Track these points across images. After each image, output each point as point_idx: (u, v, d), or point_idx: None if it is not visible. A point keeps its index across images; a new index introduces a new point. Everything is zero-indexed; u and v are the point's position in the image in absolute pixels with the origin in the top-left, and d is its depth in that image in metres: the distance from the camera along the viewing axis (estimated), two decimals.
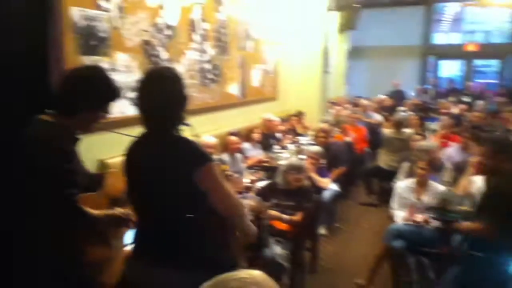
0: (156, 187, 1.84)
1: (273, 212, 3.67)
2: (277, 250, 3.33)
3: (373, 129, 8.43)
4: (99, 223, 2.01)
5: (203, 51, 5.08)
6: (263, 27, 6.90)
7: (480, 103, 9.35)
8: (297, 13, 7.89)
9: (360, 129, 7.30)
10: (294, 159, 4.32)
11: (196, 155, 1.83)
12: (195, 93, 5.01)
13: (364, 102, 9.11)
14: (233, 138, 5.07)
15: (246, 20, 6.27)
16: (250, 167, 5.06)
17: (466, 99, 10.09)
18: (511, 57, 13.05)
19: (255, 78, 6.83)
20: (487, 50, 14.37)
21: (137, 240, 1.98)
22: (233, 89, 6.02)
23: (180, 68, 4.64)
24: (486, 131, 3.42)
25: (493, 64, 15.49)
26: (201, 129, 4.99)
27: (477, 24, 19.69)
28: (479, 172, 3.00)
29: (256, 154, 5.57)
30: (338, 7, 8.04)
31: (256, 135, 5.77)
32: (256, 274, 0.99)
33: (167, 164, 1.81)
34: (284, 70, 7.99)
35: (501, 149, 2.69)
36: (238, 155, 5.11)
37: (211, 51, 5.26)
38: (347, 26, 11.53)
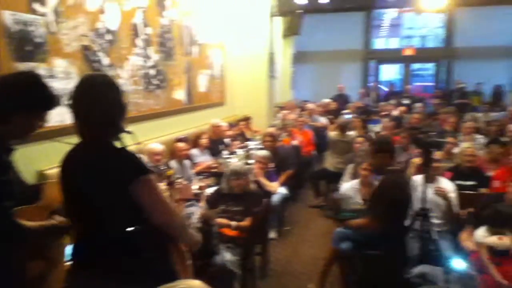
0: (91, 199, 1.76)
1: (221, 220, 3.63)
2: (227, 256, 3.30)
3: (319, 132, 8.63)
4: (35, 236, 1.90)
5: (147, 57, 4.97)
6: (208, 32, 6.87)
7: (418, 105, 9.82)
8: (241, 18, 7.93)
9: (307, 133, 7.43)
10: (236, 164, 4.32)
11: (132, 166, 1.77)
12: (140, 99, 4.89)
13: (310, 106, 9.30)
14: (181, 144, 5.00)
15: (191, 25, 6.22)
16: (198, 173, 5.00)
17: (405, 101, 10.56)
18: (445, 61, 13.81)
19: (202, 83, 6.78)
20: (423, 54, 15.16)
21: (75, 252, 1.89)
22: (179, 94, 5.94)
23: (123, 73, 4.52)
24: (423, 132, 3.58)
25: (429, 67, 16.37)
26: (147, 136, 4.91)
27: (414, 30, 20.73)
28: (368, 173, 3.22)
29: (204, 160, 5.52)
30: (281, 13, 8.17)
31: (204, 141, 5.72)
32: (195, 284, 0.98)
33: (103, 175, 1.74)
34: (231, 75, 8.00)
35: (380, 148, 2.87)
36: (187, 162, 5.04)
37: (155, 56, 5.16)
38: (291, 31, 11.75)
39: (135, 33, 4.72)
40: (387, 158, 2.80)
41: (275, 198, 4.86)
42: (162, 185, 3.64)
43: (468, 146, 4.52)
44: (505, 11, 12.47)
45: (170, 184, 3.35)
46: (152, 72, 5.11)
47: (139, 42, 4.81)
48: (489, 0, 12.04)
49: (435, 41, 15.67)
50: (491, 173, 4.34)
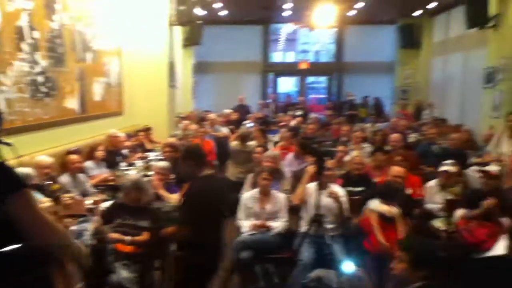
0: None
1: (114, 235, 3.44)
2: (123, 274, 3.15)
3: (221, 142, 8.69)
4: None
5: (34, 62, 4.59)
6: (104, 38, 6.58)
7: (313, 116, 10.40)
8: (139, 25, 7.73)
9: (208, 143, 7.43)
10: (134, 176, 4.17)
11: (7, 181, 1.63)
12: (26, 108, 4.48)
13: (212, 116, 9.34)
14: (73, 156, 4.68)
15: (84, 30, 5.90)
16: (95, 187, 4.73)
17: (299, 112, 11.11)
18: (336, 74, 14.83)
19: (97, 92, 6.45)
20: (317, 68, 16.15)
21: None
22: (71, 103, 5.58)
23: (6, 80, 4.11)
24: (317, 142, 3.81)
25: (322, 80, 17.46)
26: (36, 148, 4.52)
27: (308, 45, 21.95)
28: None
29: (100, 172, 5.23)
30: (180, 22, 8.12)
31: (100, 153, 5.42)
32: None
33: None
34: (129, 83, 7.73)
35: (186, 156, 3.08)
36: (81, 175, 4.73)
37: (43, 62, 4.78)
38: (191, 41, 11.73)
39: (20, 36, 4.33)
40: (193, 165, 2.95)
41: None
42: (46, 201, 3.38)
43: (356, 154, 4.88)
44: (386, 30, 13.82)
45: (56, 199, 3.12)
46: (40, 79, 4.72)
47: (25, 46, 4.42)
48: (372, 19, 13.24)
49: (327, 56, 16.78)
50: (376, 179, 4.73)
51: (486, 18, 7.53)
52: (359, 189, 4.54)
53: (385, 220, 3.62)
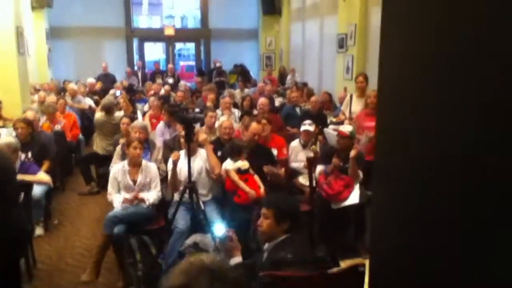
0: None
1: None
2: None
3: (85, 114, 8.14)
4: None
5: None
6: None
7: (182, 83, 10.28)
8: None
9: (70, 115, 6.88)
10: None
11: None
12: None
13: (72, 86, 8.62)
14: None
15: None
16: None
17: (171, 80, 10.90)
18: (204, 41, 14.73)
19: None
20: (183, 34, 15.83)
21: None
22: None
23: None
24: (184, 109, 3.80)
25: (191, 47, 17.24)
26: None
27: (174, 10, 21.33)
28: None
29: None
30: None
31: None
32: None
33: None
34: None
35: None
36: None
37: None
38: (40, 3, 10.54)
39: None
40: None
41: (37, 190, 4.38)
42: None
43: (224, 119, 4.99)
44: None
45: None
46: None
47: None
48: None
49: (194, 22, 16.53)
50: None
51: None
52: None
53: (242, 173, 3.89)
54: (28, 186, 3.94)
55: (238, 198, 3.82)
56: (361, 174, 4.11)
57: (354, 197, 4.01)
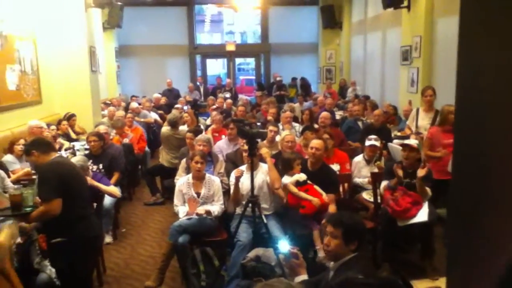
0: None
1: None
2: (51, 271, 3.00)
3: (150, 128, 8.49)
4: None
5: None
6: (14, 23, 6.07)
7: (241, 97, 10.44)
8: (54, 8, 7.22)
9: (137, 129, 7.21)
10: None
11: None
12: None
13: (139, 101, 9.04)
14: None
15: None
16: (16, 182, 4.40)
17: (228, 94, 11.11)
18: (264, 56, 14.92)
19: (11, 80, 5.97)
20: (244, 50, 16.14)
21: None
22: None
23: None
24: (247, 124, 3.83)
25: (250, 62, 17.52)
26: None
27: (234, 26, 21.85)
28: None
29: (21, 167, 4.88)
30: (98, 4, 7.68)
31: (20, 146, 5.04)
32: None
33: None
34: (47, 70, 7.24)
35: (32, 147, 3.09)
36: (1, 172, 4.37)
37: None
38: (111, 24, 11.20)
39: None
40: (37, 154, 3.04)
41: (107, 201, 4.60)
42: None
43: (286, 134, 4.99)
44: (308, 10, 14.12)
45: None
46: None
47: None
48: (294, 0, 13.43)
49: (254, 37, 16.81)
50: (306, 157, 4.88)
51: None
52: None
53: (301, 185, 3.88)
54: (100, 197, 4.14)
55: (304, 209, 3.79)
56: (429, 191, 3.93)
57: (422, 215, 3.82)
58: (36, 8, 6.88)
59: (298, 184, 3.88)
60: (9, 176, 4.52)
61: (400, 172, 3.92)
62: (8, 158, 4.89)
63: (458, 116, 1.35)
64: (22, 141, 5.04)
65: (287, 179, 3.94)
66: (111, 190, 4.47)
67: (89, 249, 3.16)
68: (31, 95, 6.68)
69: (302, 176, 3.91)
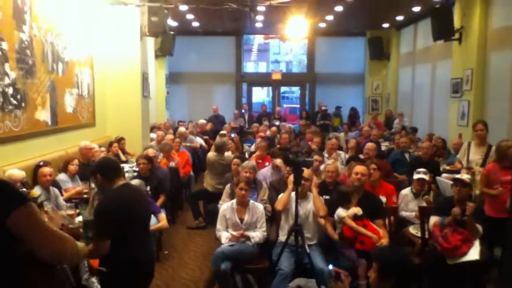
0: None
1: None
2: None
3: (196, 152, 8.66)
4: None
5: (3, 74, 4.46)
6: (75, 49, 6.47)
7: (285, 125, 10.49)
8: (110, 36, 7.65)
9: (184, 154, 7.39)
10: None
11: (6, 196, 1.57)
12: None
13: (182, 129, 9.28)
14: (45, 169, 4.53)
15: (55, 41, 5.79)
16: (68, 200, 4.60)
17: (277, 122, 11.20)
18: (309, 85, 14.99)
19: (69, 103, 6.32)
20: (289, 79, 16.32)
21: None
22: (42, 115, 5.44)
23: None
24: (293, 152, 3.84)
25: (295, 90, 17.66)
26: (5, 161, 4.39)
27: (280, 55, 22.19)
28: None
29: (74, 186, 5.10)
30: (152, 33, 8.08)
31: (73, 166, 5.29)
32: None
33: None
34: (101, 94, 7.61)
35: (97, 170, 2.78)
36: (54, 189, 4.59)
37: (13, 74, 4.66)
38: (163, 52, 11.69)
39: None
40: (102, 179, 2.73)
41: (152, 222, 4.69)
42: None
43: (330, 163, 4.95)
44: (356, 41, 14.15)
45: (39, 207, 3.00)
46: (9, 90, 4.60)
47: None
48: (341, 31, 13.53)
49: (299, 66, 17.00)
50: None
51: (451, 31, 7.84)
52: None
53: (358, 219, 3.79)
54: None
55: (361, 245, 3.70)
56: (480, 228, 3.75)
57: (473, 253, 3.64)
58: (95, 35, 7.31)
59: (355, 218, 3.80)
60: (62, 194, 4.74)
61: (457, 212, 3.75)
62: (62, 176, 5.13)
63: None
64: (76, 161, 5.29)
65: (343, 212, 3.86)
66: (161, 226, 4.53)
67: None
68: (86, 118, 7.03)
69: (359, 210, 3.84)
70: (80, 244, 1.91)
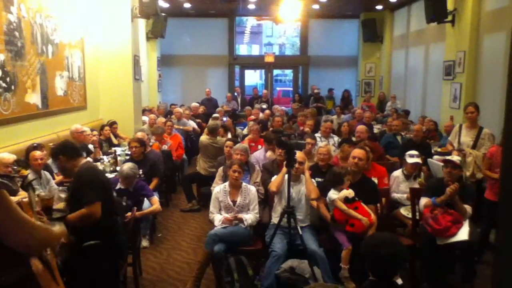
0: None
1: None
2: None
3: (189, 136, 8.64)
4: None
5: None
6: (65, 31, 6.37)
7: (277, 108, 10.47)
8: (100, 18, 7.53)
9: (176, 137, 7.37)
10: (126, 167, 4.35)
11: None
12: None
13: (179, 109, 9.25)
14: (37, 152, 4.51)
15: (44, 23, 5.69)
16: (59, 184, 4.59)
17: (264, 105, 11.16)
18: (302, 68, 14.93)
19: (59, 86, 6.25)
20: (282, 61, 16.22)
21: None
22: (33, 98, 5.39)
23: None
24: (286, 135, 3.84)
25: (288, 73, 17.58)
26: None
27: (273, 38, 22.01)
28: None
29: None
30: (143, 15, 7.95)
31: None
32: None
33: None
34: (92, 77, 7.54)
35: (60, 152, 3.12)
36: (47, 173, 4.57)
37: (1, 56, 4.59)
38: (155, 34, 11.54)
39: None
40: (64, 160, 3.09)
41: (145, 205, 4.70)
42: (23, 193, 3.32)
43: (322, 145, 4.96)
44: (349, 24, 14.05)
45: (28, 186, 3.01)
46: None
47: None
48: (335, 13, 13.42)
49: (292, 49, 16.88)
50: None
51: (444, 13, 7.80)
52: None
53: (350, 202, 3.79)
54: (140, 202, 4.25)
55: (351, 227, 3.71)
56: (470, 209, 3.80)
57: (463, 234, 3.69)
58: (85, 17, 7.20)
59: (346, 200, 3.79)
60: (54, 178, 4.72)
61: (453, 190, 3.77)
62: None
63: (508, 134, 1.31)
64: None
65: (334, 194, 3.84)
66: (154, 209, 4.54)
67: (122, 253, 3.28)
68: (77, 101, 6.97)
69: (351, 193, 3.81)
70: (56, 228, 1.95)
